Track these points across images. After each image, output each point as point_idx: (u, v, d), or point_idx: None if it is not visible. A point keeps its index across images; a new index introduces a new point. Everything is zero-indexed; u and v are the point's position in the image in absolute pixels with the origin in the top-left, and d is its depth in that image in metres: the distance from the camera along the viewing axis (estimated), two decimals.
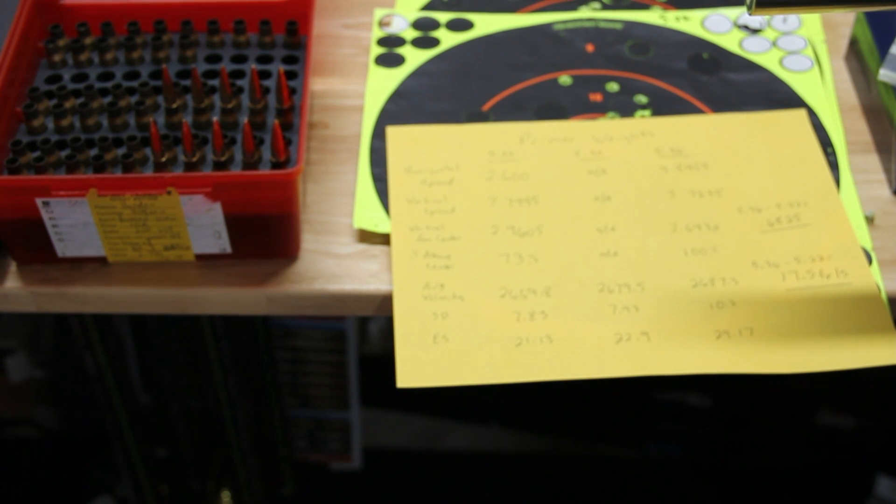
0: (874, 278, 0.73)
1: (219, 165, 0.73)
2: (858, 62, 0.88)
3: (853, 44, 0.89)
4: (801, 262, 0.74)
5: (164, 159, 0.73)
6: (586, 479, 1.47)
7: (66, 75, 0.80)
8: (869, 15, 0.87)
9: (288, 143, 0.75)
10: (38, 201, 0.70)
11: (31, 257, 0.75)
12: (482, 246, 0.76)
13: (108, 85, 0.78)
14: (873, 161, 0.83)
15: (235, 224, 0.73)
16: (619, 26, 0.92)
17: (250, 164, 0.73)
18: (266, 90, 0.78)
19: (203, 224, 0.72)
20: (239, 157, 0.74)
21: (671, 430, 1.49)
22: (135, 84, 0.79)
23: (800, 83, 0.87)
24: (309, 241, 0.77)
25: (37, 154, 0.74)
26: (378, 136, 0.84)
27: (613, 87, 0.87)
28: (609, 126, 0.84)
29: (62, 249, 0.74)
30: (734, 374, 0.69)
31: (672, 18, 0.93)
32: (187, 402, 1.22)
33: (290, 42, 0.82)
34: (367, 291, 0.74)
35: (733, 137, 0.83)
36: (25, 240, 0.73)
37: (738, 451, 1.48)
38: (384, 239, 0.77)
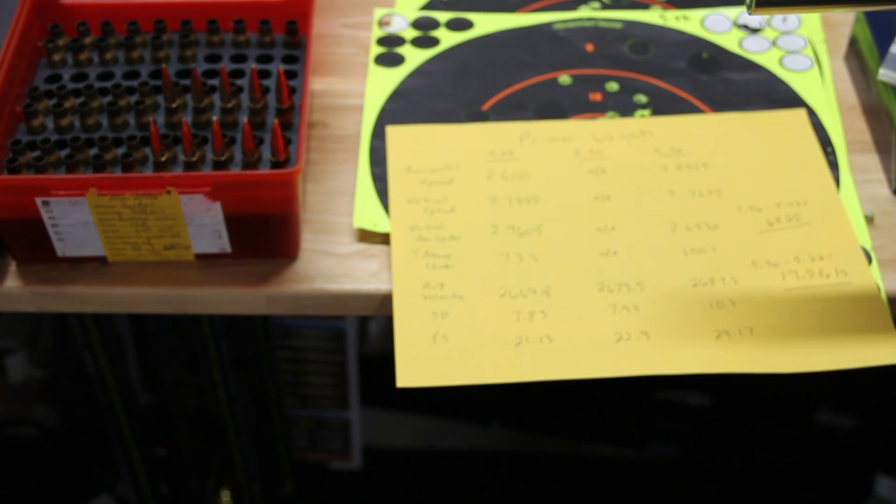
0: (874, 278, 0.73)
1: (219, 165, 0.73)
2: (858, 62, 0.88)
3: (853, 43, 0.89)
4: (800, 261, 0.74)
5: (163, 159, 0.73)
6: (586, 479, 1.47)
7: (66, 75, 0.80)
8: (869, 15, 0.87)
9: (288, 142, 0.75)
10: (38, 201, 0.70)
11: (31, 257, 0.75)
12: (482, 245, 0.76)
13: (108, 84, 0.78)
14: (873, 161, 0.83)
15: (235, 224, 0.73)
16: (618, 26, 0.92)
17: (250, 163, 0.73)
18: (266, 90, 0.78)
19: (203, 224, 0.72)
20: (239, 156, 0.74)
21: (671, 429, 1.49)
22: (135, 84, 0.79)
23: (799, 83, 0.87)
24: (309, 241, 0.77)
25: (37, 154, 0.74)
26: (378, 136, 0.84)
27: (613, 86, 0.87)
28: (609, 126, 0.84)
29: (62, 249, 0.74)
30: (734, 373, 0.69)
31: (672, 18, 0.93)
32: (187, 402, 1.22)
33: (289, 42, 0.82)
34: (367, 291, 0.74)
35: (733, 137, 0.83)
36: (25, 239, 0.73)
37: (738, 451, 1.48)
38: (384, 238, 0.77)
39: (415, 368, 0.69)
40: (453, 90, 0.87)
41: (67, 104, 0.76)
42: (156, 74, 0.80)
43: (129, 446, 1.17)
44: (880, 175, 0.82)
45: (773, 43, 0.90)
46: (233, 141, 0.75)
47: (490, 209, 0.78)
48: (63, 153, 0.74)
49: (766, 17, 0.92)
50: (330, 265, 0.76)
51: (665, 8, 0.94)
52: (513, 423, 1.52)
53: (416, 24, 0.93)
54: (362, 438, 1.46)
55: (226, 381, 1.15)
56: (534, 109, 0.86)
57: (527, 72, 0.89)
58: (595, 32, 0.92)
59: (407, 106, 0.86)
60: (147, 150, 0.74)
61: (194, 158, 0.73)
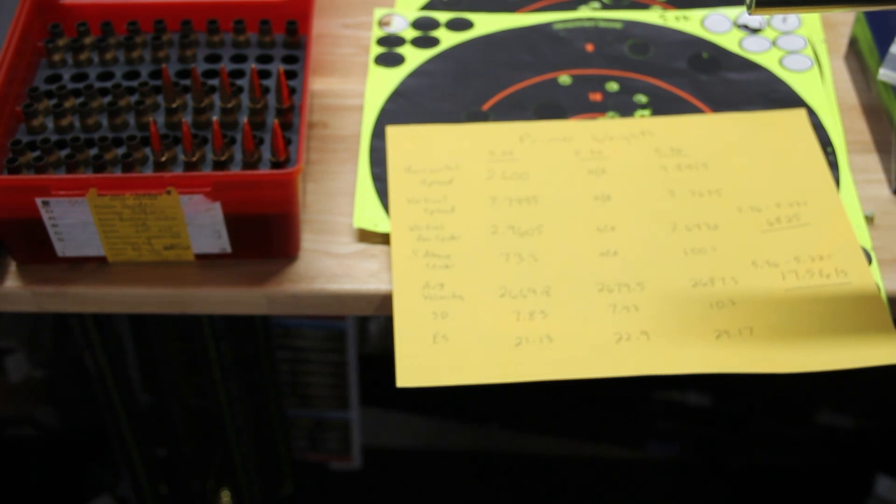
0: (874, 278, 0.73)
1: (219, 165, 0.73)
2: (858, 62, 0.88)
3: (853, 43, 0.89)
4: (800, 261, 0.74)
5: (163, 159, 0.73)
6: (586, 479, 1.47)
7: (66, 75, 0.80)
8: (869, 15, 0.87)
9: (288, 142, 0.75)
10: (38, 201, 0.70)
11: (31, 257, 0.75)
12: (482, 245, 0.76)
13: (108, 85, 0.78)
14: (873, 161, 0.83)
15: (235, 224, 0.73)
16: (618, 26, 0.92)
17: (250, 163, 0.73)
18: (266, 90, 0.78)
19: (203, 224, 0.72)
20: (239, 156, 0.74)
21: (671, 429, 1.49)
22: (135, 84, 0.79)
23: (799, 83, 0.87)
24: (309, 241, 0.77)
25: (37, 154, 0.74)
26: (378, 136, 0.84)
27: (613, 86, 0.87)
28: (609, 126, 0.84)
29: (62, 249, 0.74)
30: (734, 373, 0.69)
31: (672, 18, 0.93)
32: (187, 402, 1.22)
33: (289, 42, 0.82)
34: (367, 291, 0.74)
35: (733, 137, 0.83)
36: (25, 240, 0.73)
37: (738, 451, 1.48)
38: (384, 238, 0.77)
39: (415, 368, 0.69)
40: (453, 90, 0.87)
41: (67, 104, 0.76)
42: (156, 74, 0.80)
43: (129, 446, 1.17)
44: (880, 175, 0.82)
45: (773, 43, 0.90)
46: (233, 141, 0.75)
47: (490, 209, 0.78)
48: (63, 153, 0.74)
49: (766, 17, 0.92)
50: (330, 265, 0.76)
51: (665, 8, 0.94)
52: (513, 423, 1.52)
53: (416, 24, 0.93)
54: (362, 438, 1.46)
55: (226, 381, 1.15)
56: (534, 109, 0.86)
57: (527, 72, 0.89)
58: (595, 32, 0.92)
59: (407, 106, 0.86)
60: (147, 150, 0.74)
61: (194, 158, 0.73)
